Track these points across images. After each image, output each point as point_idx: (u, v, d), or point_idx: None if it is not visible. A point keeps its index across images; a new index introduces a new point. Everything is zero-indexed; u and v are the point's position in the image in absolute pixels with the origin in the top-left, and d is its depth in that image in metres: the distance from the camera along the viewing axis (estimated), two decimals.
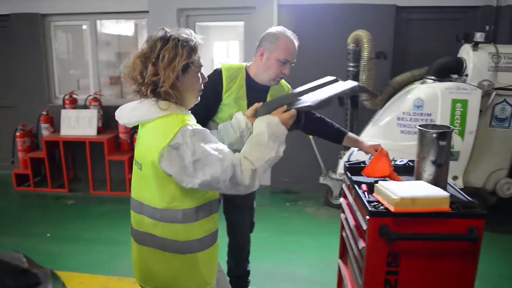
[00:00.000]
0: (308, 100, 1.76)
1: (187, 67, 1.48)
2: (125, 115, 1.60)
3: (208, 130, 1.54)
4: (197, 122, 2.19)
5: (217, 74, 2.20)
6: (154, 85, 1.46)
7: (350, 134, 2.35)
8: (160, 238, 1.55)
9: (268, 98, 2.25)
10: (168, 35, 1.48)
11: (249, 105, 2.11)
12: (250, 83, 2.22)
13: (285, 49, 2.12)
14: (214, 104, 2.20)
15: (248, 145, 1.54)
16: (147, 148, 1.49)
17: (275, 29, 2.20)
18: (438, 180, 1.93)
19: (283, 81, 2.36)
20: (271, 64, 2.13)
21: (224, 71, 2.20)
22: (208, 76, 2.14)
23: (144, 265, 1.63)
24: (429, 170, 1.94)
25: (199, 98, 1.63)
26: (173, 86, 1.47)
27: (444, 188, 1.90)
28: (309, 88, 1.90)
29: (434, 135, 1.91)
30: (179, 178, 1.45)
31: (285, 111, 1.65)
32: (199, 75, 1.56)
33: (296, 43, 2.17)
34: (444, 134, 1.91)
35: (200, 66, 1.55)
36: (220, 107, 2.21)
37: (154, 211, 1.54)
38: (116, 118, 1.63)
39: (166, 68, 1.43)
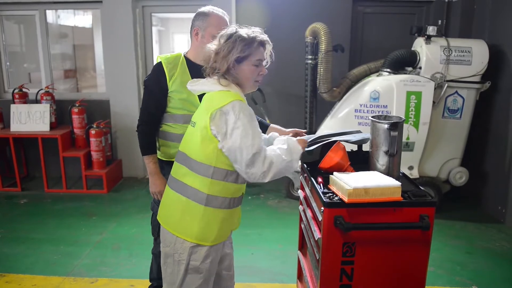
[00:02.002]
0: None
1: (241, 59, 1.75)
2: (195, 86, 1.88)
3: (254, 114, 1.78)
4: (149, 116, 2.17)
5: (157, 66, 2.26)
6: (214, 70, 1.79)
7: (273, 125, 2.41)
8: (188, 186, 1.81)
9: None
10: (233, 32, 1.77)
11: None
12: (193, 67, 2.24)
13: (217, 24, 2.17)
14: (162, 96, 2.24)
15: (274, 147, 1.83)
16: (204, 110, 1.78)
17: (203, 8, 2.25)
18: (391, 170, 1.97)
19: None
20: (206, 41, 2.14)
21: (163, 61, 2.24)
22: (150, 73, 2.26)
23: (168, 206, 1.92)
24: (382, 160, 1.98)
25: (255, 87, 1.87)
26: (227, 73, 1.77)
27: (397, 178, 1.94)
28: (336, 133, 2.29)
29: (386, 126, 1.95)
30: (221, 138, 1.72)
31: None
32: (255, 67, 1.79)
33: (227, 19, 2.25)
34: (396, 124, 1.94)
35: (258, 60, 1.79)
36: (168, 96, 2.24)
37: (193, 163, 1.80)
38: (188, 87, 1.92)
39: (222, 58, 1.75)
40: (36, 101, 5.05)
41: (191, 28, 2.25)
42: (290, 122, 4.82)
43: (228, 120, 1.70)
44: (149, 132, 2.30)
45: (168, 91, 2.22)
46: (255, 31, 1.79)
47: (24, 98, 5.04)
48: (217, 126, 1.72)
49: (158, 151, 2.38)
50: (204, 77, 1.87)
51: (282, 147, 1.81)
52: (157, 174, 2.31)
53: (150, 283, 2.67)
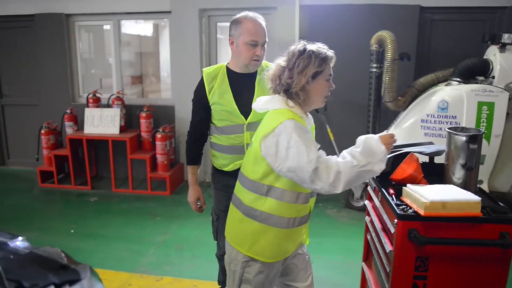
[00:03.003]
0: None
1: (316, 74, 1.74)
2: (259, 105, 1.88)
3: (308, 130, 1.76)
4: (193, 128, 2.35)
5: (200, 80, 2.29)
6: (288, 86, 1.75)
7: None
8: (243, 203, 1.86)
9: (256, 85, 2.24)
10: (305, 47, 1.76)
11: (235, 97, 2.20)
12: (232, 76, 2.25)
13: (249, 30, 2.13)
14: (204, 110, 2.28)
15: (344, 152, 1.73)
16: (259, 131, 1.81)
17: (237, 15, 2.22)
18: (468, 184, 1.90)
19: (267, 63, 2.31)
20: (241, 50, 2.15)
21: (204, 74, 2.27)
22: (196, 88, 2.30)
23: (229, 218, 1.99)
24: (458, 173, 1.92)
25: (323, 103, 1.84)
26: (303, 89, 1.74)
27: (474, 192, 1.87)
28: (407, 144, 2.28)
29: (465, 138, 1.88)
30: (272, 160, 1.70)
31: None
32: (327, 82, 1.79)
33: (262, 23, 2.19)
34: (475, 137, 1.88)
35: (330, 74, 1.79)
36: (211, 109, 2.26)
37: (247, 181, 1.84)
38: (253, 107, 1.94)
39: (299, 74, 1.72)
40: (108, 106, 5.36)
41: (228, 38, 2.24)
42: (351, 131, 4.77)
43: (280, 141, 1.68)
44: (192, 143, 2.37)
45: (210, 104, 2.24)
46: (323, 47, 1.79)
47: (97, 102, 5.37)
48: (266, 147, 1.72)
49: (213, 161, 2.44)
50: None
51: (356, 150, 1.70)
52: (193, 185, 2.39)
53: (220, 286, 2.72)
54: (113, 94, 5.39)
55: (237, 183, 1.94)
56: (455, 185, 1.90)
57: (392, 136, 1.73)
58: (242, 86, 2.22)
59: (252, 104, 1.93)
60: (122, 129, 5.24)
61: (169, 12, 5.24)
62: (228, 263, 1.95)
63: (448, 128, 1.97)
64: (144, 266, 3.39)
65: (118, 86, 5.66)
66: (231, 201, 1.97)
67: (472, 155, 1.87)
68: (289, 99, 1.77)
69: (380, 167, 1.66)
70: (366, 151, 1.67)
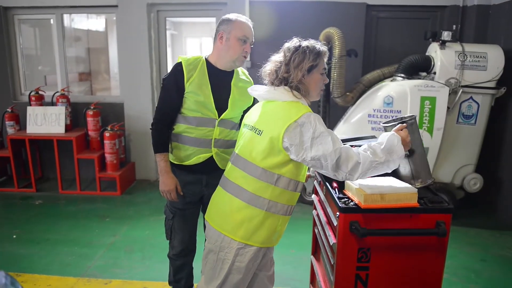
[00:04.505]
0: None
1: (311, 68, 1.83)
2: (259, 92, 1.95)
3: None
4: (164, 115, 2.27)
5: (176, 66, 2.26)
6: (285, 80, 1.85)
7: None
8: (245, 190, 1.88)
9: (232, 88, 2.29)
10: (300, 43, 1.86)
11: (213, 91, 2.22)
12: (212, 70, 2.26)
13: (242, 27, 2.21)
14: (178, 96, 2.24)
15: (367, 145, 1.80)
16: (275, 120, 1.83)
17: (228, 15, 2.27)
18: (416, 172, 1.91)
19: (245, 72, 2.42)
20: (231, 44, 2.19)
21: (184, 62, 2.25)
22: (170, 72, 2.26)
23: (217, 205, 2.00)
24: (402, 163, 1.95)
25: (319, 96, 1.94)
26: (300, 82, 1.83)
27: (427, 177, 1.90)
28: (350, 139, 2.29)
29: (397, 124, 1.89)
30: (295, 150, 1.76)
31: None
32: (321, 76, 1.88)
33: (251, 25, 2.28)
34: (404, 122, 1.88)
35: (324, 68, 1.88)
36: (184, 97, 2.24)
37: (254, 169, 1.86)
38: (249, 91, 2.01)
39: (295, 68, 1.82)
40: (52, 104, 5.13)
41: (215, 33, 2.26)
42: None
43: (304, 131, 1.75)
44: (162, 131, 2.30)
45: (185, 92, 2.22)
46: (316, 43, 1.89)
47: (40, 100, 5.12)
48: (290, 138, 1.76)
49: (171, 155, 2.38)
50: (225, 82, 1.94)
51: (378, 146, 1.78)
52: (168, 172, 2.30)
53: (170, 287, 2.67)
54: (57, 92, 5.15)
55: (234, 168, 1.95)
56: (404, 175, 1.92)
57: (406, 130, 1.84)
58: (220, 82, 2.25)
59: (249, 90, 2.00)
60: (68, 128, 5.03)
61: (116, 6, 5.07)
62: (216, 252, 1.95)
63: (383, 123, 2.01)
64: (92, 269, 3.27)
65: (63, 83, 5.42)
66: (221, 188, 1.99)
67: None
68: (295, 91, 1.84)
69: (395, 165, 1.80)
70: (387, 149, 1.76)
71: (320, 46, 1.88)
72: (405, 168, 1.93)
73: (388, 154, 1.75)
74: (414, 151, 1.89)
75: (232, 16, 2.25)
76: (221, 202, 1.98)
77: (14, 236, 3.85)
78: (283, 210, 1.91)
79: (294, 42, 1.89)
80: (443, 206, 1.77)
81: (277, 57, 1.90)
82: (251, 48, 2.29)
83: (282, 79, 1.86)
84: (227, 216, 1.92)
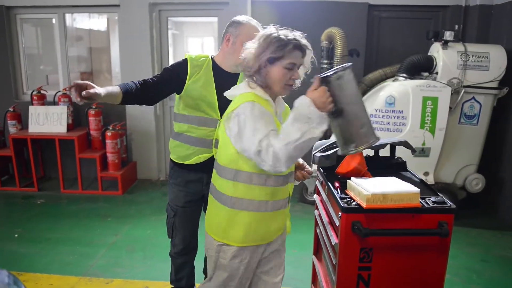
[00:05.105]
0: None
1: (273, 59, 1.70)
2: (229, 92, 1.89)
3: (268, 113, 1.69)
4: (146, 81, 2.17)
5: (182, 62, 2.25)
6: (247, 69, 1.77)
7: None
8: (216, 189, 1.88)
9: None
10: (271, 32, 1.73)
11: (218, 90, 2.19)
12: (217, 70, 2.25)
13: (249, 34, 2.12)
14: (174, 80, 2.20)
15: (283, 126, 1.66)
16: (224, 114, 1.82)
17: (239, 17, 2.24)
18: (349, 134, 1.69)
19: None
20: (237, 48, 2.14)
21: (189, 59, 2.24)
22: (173, 64, 2.26)
23: (208, 206, 1.99)
24: (332, 126, 1.72)
25: (286, 91, 1.80)
26: (258, 72, 1.73)
27: (364, 139, 1.70)
28: None
29: (331, 75, 1.63)
30: (234, 141, 1.74)
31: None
32: (286, 70, 1.72)
33: (261, 30, 2.20)
34: (326, 78, 1.63)
35: (292, 63, 1.72)
36: (184, 95, 2.22)
37: (218, 166, 1.87)
38: (225, 94, 1.90)
39: (256, 57, 1.72)
40: (54, 103, 5.13)
41: (223, 34, 2.25)
42: None
43: (239, 121, 1.69)
44: (137, 86, 2.13)
45: (184, 85, 2.20)
46: (295, 35, 1.74)
47: (42, 100, 5.12)
48: (229, 128, 1.75)
49: (172, 154, 2.40)
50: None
51: (288, 124, 1.60)
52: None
53: (172, 286, 2.68)
54: (59, 91, 5.16)
55: (213, 171, 1.94)
56: (337, 143, 1.80)
57: (322, 89, 1.61)
58: (225, 83, 2.17)
59: (224, 93, 1.91)
60: (70, 128, 5.02)
61: (118, 5, 5.07)
62: (206, 249, 1.99)
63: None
64: (93, 269, 3.28)
65: (65, 82, 5.42)
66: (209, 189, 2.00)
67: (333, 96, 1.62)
68: (250, 81, 1.77)
69: (319, 130, 1.59)
70: (300, 120, 1.58)
71: (296, 39, 1.72)
72: (335, 133, 1.75)
73: (304, 125, 1.57)
74: (342, 110, 1.63)
75: (242, 19, 2.21)
76: (209, 202, 1.99)
77: (16, 235, 3.86)
78: (253, 206, 1.79)
79: (269, 29, 1.76)
80: (445, 207, 1.77)
81: (251, 44, 1.77)
82: None
83: (247, 66, 1.77)
84: (209, 215, 1.96)
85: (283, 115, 1.90)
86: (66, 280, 3.11)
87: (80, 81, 1.89)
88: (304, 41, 1.74)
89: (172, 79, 2.22)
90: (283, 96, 1.91)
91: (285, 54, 1.69)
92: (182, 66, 2.22)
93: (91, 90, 1.88)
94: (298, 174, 2.00)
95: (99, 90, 1.92)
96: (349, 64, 1.69)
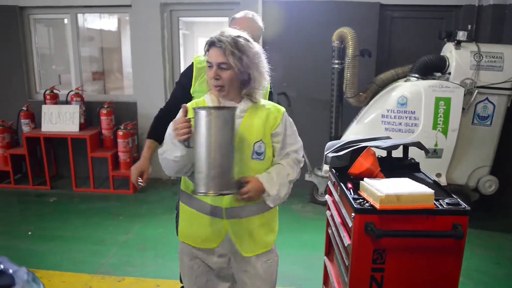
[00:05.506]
0: None
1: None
2: None
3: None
4: (166, 107, 2.29)
5: (188, 66, 2.30)
6: None
7: None
8: None
9: None
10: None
11: None
12: None
13: (242, 28, 2.10)
14: (182, 94, 2.24)
15: None
16: None
17: (238, 13, 2.26)
18: (196, 172, 1.60)
19: None
20: None
21: (195, 62, 2.26)
22: (181, 74, 2.35)
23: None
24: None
25: (214, 91, 1.73)
26: None
27: (206, 187, 1.60)
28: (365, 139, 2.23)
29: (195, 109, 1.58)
30: None
31: None
32: (209, 69, 1.70)
33: (255, 20, 2.23)
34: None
35: (209, 62, 1.68)
36: (192, 96, 2.23)
37: None
38: None
39: None
40: (66, 102, 5.18)
41: None
42: (315, 127, 4.84)
43: None
44: (159, 121, 2.28)
45: (190, 90, 2.22)
46: (216, 33, 1.68)
47: (55, 99, 5.18)
48: None
49: None
50: None
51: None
52: (145, 158, 2.25)
53: (182, 285, 2.69)
54: (71, 91, 5.21)
55: None
56: None
57: (181, 118, 1.60)
58: None
59: None
60: (82, 127, 5.07)
61: (129, 6, 5.11)
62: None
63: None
64: (105, 267, 3.31)
65: (77, 82, 5.48)
66: None
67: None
68: None
69: (172, 155, 1.64)
70: (166, 138, 1.71)
71: (211, 37, 1.67)
72: None
73: (166, 144, 1.70)
74: (190, 146, 1.60)
75: (238, 14, 2.23)
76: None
77: (29, 233, 3.91)
78: (184, 198, 1.86)
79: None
80: (460, 208, 1.75)
81: None
82: (262, 47, 2.26)
83: None
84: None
85: (247, 118, 1.75)
86: (79, 277, 3.14)
87: (135, 171, 2.18)
88: (215, 38, 1.65)
89: (184, 93, 2.22)
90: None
91: (206, 54, 1.70)
92: (188, 73, 2.25)
93: (146, 174, 2.19)
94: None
95: (148, 165, 2.21)
96: (225, 108, 1.64)
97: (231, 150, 1.61)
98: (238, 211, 1.78)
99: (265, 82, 1.78)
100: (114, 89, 6.10)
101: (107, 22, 6.17)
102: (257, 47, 1.74)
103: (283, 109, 1.82)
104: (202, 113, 1.54)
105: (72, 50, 5.43)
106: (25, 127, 5.15)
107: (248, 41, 1.71)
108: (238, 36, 1.67)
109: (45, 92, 5.20)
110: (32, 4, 5.28)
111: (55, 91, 5.22)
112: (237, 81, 1.70)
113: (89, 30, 5.84)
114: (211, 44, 1.67)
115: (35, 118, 5.21)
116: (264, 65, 1.76)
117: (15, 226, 4.07)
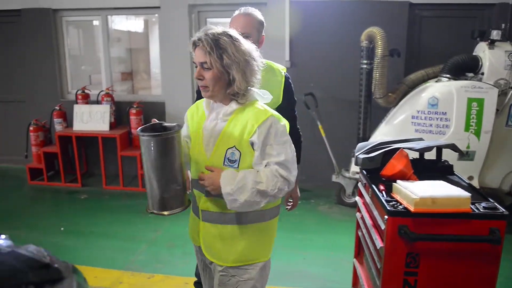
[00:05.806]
0: None
1: None
2: None
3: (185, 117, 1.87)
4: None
5: None
6: None
7: None
8: None
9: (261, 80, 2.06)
10: None
11: None
12: None
13: (235, 25, 2.10)
14: None
15: None
16: None
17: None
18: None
19: (273, 64, 2.30)
20: None
21: None
22: None
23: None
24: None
25: (203, 92, 1.67)
26: None
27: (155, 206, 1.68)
28: (397, 140, 2.23)
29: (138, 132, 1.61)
30: None
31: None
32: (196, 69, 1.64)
33: (250, 15, 2.19)
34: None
35: (194, 63, 1.64)
36: None
37: None
38: None
39: None
40: (97, 102, 5.31)
41: None
42: (343, 128, 4.81)
43: None
44: None
45: None
46: (204, 30, 1.60)
47: (86, 99, 5.31)
48: None
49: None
50: None
51: None
52: None
53: (196, 279, 2.73)
54: (102, 91, 5.33)
55: None
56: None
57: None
58: None
59: None
60: (112, 126, 5.19)
61: (158, 7, 5.19)
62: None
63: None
64: (135, 263, 3.37)
65: (108, 82, 5.60)
66: None
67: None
68: None
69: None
70: None
71: (197, 34, 1.60)
72: None
73: None
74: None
75: (236, 12, 2.22)
76: None
77: (62, 229, 4.02)
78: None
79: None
80: (497, 212, 1.71)
81: None
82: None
83: None
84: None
85: (230, 122, 1.66)
86: (110, 273, 3.21)
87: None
88: (196, 37, 1.59)
89: None
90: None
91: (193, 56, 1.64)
92: None
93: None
94: None
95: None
96: (168, 131, 1.63)
97: (169, 172, 1.60)
98: (212, 215, 1.73)
99: (253, 82, 1.65)
100: (141, 89, 6.21)
101: (134, 23, 6.28)
102: (246, 45, 1.61)
103: (267, 116, 1.60)
104: (139, 136, 1.60)
105: (103, 51, 5.56)
106: (58, 126, 5.30)
107: (232, 38, 1.58)
108: (222, 34, 1.57)
109: (76, 92, 5.34)
110: (64, 6, 5.43)
111: (86, 91, 5.35)
112: (222, 82, 1.60)
113: (116, 32, 5.96)
114: (193, 44, 1.60)
115: (67, 117, 5.36)
116: (252, 64, 1.61)
117: (48, 222, 4.20)
